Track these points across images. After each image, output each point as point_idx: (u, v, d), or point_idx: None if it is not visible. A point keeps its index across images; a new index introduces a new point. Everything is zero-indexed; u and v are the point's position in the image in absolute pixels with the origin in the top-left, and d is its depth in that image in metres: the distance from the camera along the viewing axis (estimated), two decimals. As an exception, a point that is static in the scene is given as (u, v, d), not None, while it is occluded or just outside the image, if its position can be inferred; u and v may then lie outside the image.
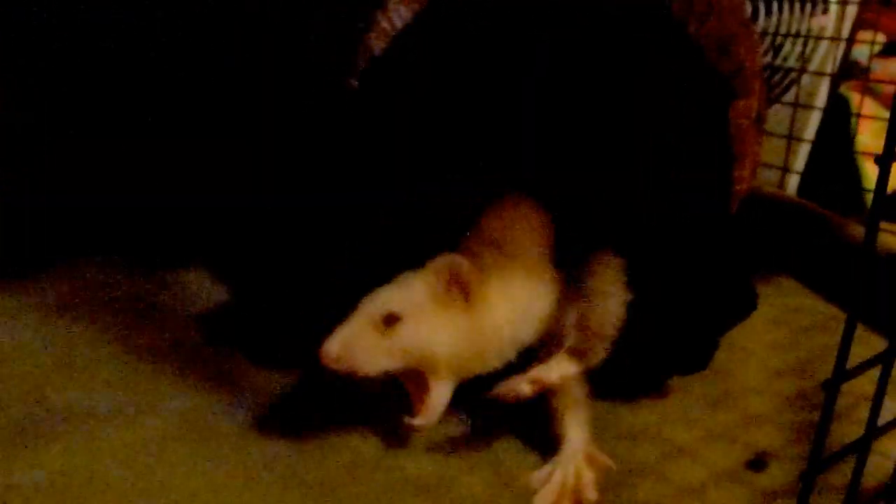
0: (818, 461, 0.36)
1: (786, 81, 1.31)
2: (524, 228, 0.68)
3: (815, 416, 0.45)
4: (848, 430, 0.51)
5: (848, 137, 1.30)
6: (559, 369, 0.61)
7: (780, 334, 0.86)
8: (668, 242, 0.69)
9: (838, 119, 1.31)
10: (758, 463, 0.65)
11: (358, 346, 0.60)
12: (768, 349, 0.82)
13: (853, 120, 1.29)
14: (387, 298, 0.62)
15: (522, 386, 0.60)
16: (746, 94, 0.72)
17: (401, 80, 0.73)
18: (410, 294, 0.62)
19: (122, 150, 1.01)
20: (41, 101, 1.00)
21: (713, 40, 0.69)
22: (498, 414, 0.68)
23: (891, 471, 0.47)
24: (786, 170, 1.27)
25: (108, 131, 1.01)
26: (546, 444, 0.66)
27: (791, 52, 1.33)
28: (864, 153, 1.27)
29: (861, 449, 0.40)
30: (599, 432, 0.66)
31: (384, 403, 0.71)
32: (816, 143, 1.29)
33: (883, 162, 0.36)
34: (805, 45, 1.30)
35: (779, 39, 1.32)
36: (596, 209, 0.68)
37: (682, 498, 0.61)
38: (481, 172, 0.71)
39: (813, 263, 1.05)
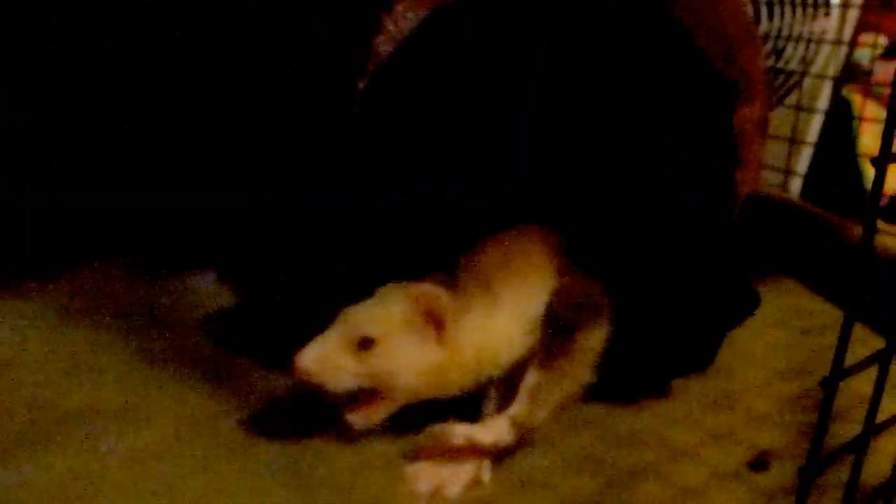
0: (816, 459, 0.37)
1: (788, 84, 1.32)
2: (520, 266, 0.67)
3: (817, 416, 0.46)
4: (848, 430, 0.51)
5: (850, 140, 1.31)
6: (496, 434, 0.62)
7: (781, 335, 0.87)
8: (670, 244, 0.69)
9: (840, 122, 1.31)
10: (759, 463, 0.66)
11: (330, 363, 0.62)
12: (770, 350, 0.83)
13: (855, 122, 1.30)
14: (363, 319, 0.63)
15: (455, 438, 0.61)
16: (750, 100, 0.73)
17: (405, 84, 0.73)
18: (387, 318, 0.63)
19: (123, 150, 1.00)
20: (41, 101, 0.99)
21: (718, 47, 0.70)
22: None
23: (889, 470, 0.48)
24: (788, 172, 1.28)
25: (108, 131, 1.00)
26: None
27: (793, 55, 1.33)
28: (865, 155, 1.27)
29: (859, 447, 0.41)
30: (600, 434, 0.67)
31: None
32: (819, 146, 1.30)
33: (879, 163, 0.36)
34: (807, 48, 1.31)
35: (781, 43, 1.32)
36: (596, 211, 0.68)
37: (683, 499, 0.61)
38: (479, 173, 0.71)
39: (815, 265, 1.05)
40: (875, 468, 0.51)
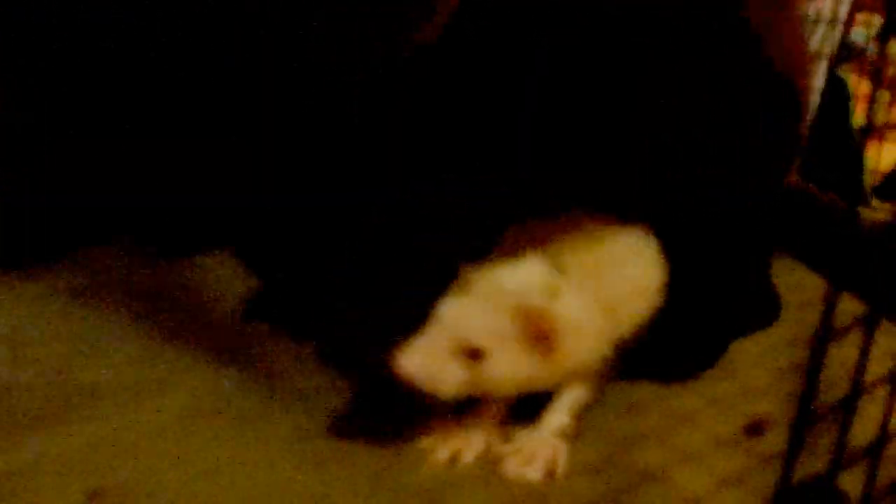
0: (805, 415, 0.39)
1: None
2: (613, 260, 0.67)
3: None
4: (838, 396, 0.54)
5: (846, 118, 1.32)
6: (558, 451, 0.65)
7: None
8: (708, 245, 0.71)
9: (836, 100, 1.33)
10: (755, 429, 0.68)
11: (437, 368, 0.59)
12: None
13: (851, 101, 1.31)
14: (470, 327, 0.60)
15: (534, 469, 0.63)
16: (803, 117, 0.74)
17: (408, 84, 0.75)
18: (497, 331, 0.60)
19: (123, 149, 1.01)
20: (41, 101, 1.00)
21: (787, 61, 0.71)
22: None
23: (876, 432, 0.50)
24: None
25: (107, 131, 1.01)
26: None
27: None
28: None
29: (846, 407, 0.43)
30: (602, 403, 0.70)
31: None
32: (815, 125, 1.31)
33: (863, 135, 0.38)
34: (803, 28, 1.32)
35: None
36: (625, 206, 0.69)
37: (684, 462, 0.64)
38: (479, 173, 0.73)
39: (811, 242, 1.07)
40: (863, 432, 0.53)
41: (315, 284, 0.87)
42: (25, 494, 0.60)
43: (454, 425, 0.66)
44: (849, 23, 1.34)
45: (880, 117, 1.24)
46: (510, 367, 0.60)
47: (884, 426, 0.49)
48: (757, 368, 0.77)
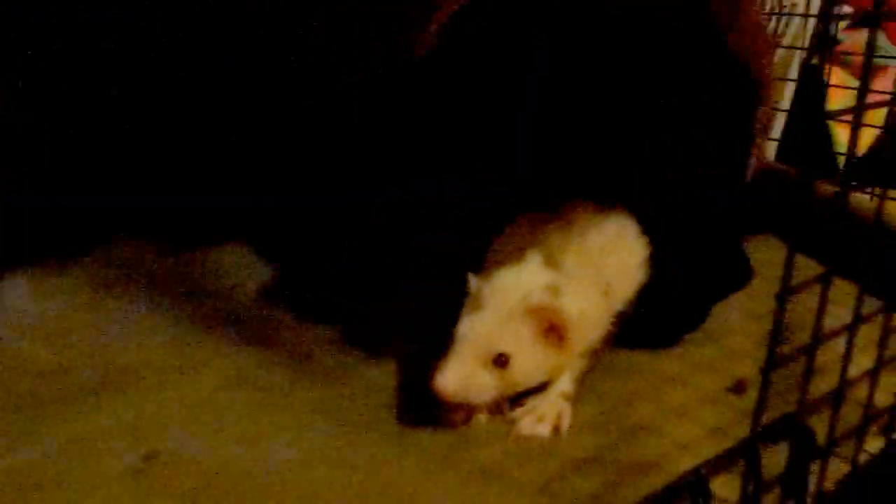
0: (772, 359, 0.47)
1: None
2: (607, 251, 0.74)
3: (786, 349, 0.55)
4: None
5: (821, 106, 1.40)
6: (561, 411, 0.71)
7: (758, 283, 0.95)
8: (685, 223, 0.77)
9: (812, 88, 1.40)
10: (737, 388, 0.76)
11: (471, 382, 0.66)
12: (747, 296, 0.92)
13: (825, 89, 1.39)
14: (493, 337, 0.67)
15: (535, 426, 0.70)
16: (764, 103, 0.82)
17: (417, 86, 0.80)
18: (517, 335, 0.67)
19: (123, 149, 1.03)
20: (41, 101, 1.01)
21: (746, 51, 0.78)
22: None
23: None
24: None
25: (107, 131, 1.03)
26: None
27: (766, 27, 1.42)
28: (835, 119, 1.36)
29: (809, 352, 0.51)
30: (598, 368, 0.77)
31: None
32: (792, 112, 1.39)
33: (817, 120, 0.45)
34: (779, 21, 1.40)
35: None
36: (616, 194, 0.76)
37: (674, 416, 0.72)
38: (479, 174, 0.78)
39: (789, 220, 1.14)
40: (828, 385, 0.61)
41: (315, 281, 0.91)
42: (88, 460, 0.66)
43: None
44: (827, 15, 1.42)
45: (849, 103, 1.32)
46: (533, 365, 0.68)
47: (843, 372, 0.56)
48: (738, 335, 0.85)
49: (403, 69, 0.80)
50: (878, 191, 1.05)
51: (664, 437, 0.69)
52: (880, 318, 0.62)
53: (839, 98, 1.41)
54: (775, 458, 0.57)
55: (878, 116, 1.35)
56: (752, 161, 0.85)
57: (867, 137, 1.36)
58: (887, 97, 0.76)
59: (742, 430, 0.55)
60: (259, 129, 1.02)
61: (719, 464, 0.52)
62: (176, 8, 0.98)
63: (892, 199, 1.05)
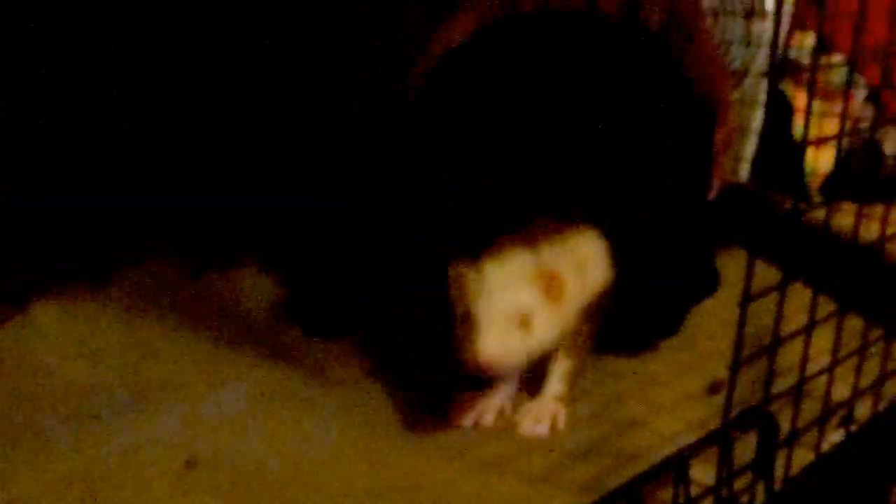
0: (737, 359, 0.56)
1: (733, 81, 1.51)
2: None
3: (757, 351, 0.64)
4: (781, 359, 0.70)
5: (789, 128, 1.50)
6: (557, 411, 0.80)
7: (731, 293, 1.02)
8: (654, 235, 0.85)
9: (780, 112, 1.50)
10: (714, 388, 0.85)
11: (506, 346, 0.70)
12: (721, 304, 0.99)
13: (792, 113, 1.49)
14: (516, 301, 0.71)
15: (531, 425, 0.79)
16: (722, 125, 0.92)
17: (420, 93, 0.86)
18: (530, 295, 0.72)
19: (123, 149, 1.05)
20: (41, 101, 1.02)
21: (702, 78, 0.88)
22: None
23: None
24: (737, 158, 1.47)
25: (107, 131, 1.05)
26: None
27: (737, 55, 1.52)
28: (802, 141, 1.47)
29: (770, 353, 0.60)
30: (588, 370, 0.85)
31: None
32: (762, 134, 1.49)
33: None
34: (748, 49, 1.50)
35: (725, 45, 1.51)
36: (591, 207, 0.82)
37: (658, 413, 0.81)
38: (478, 178, 0.83)
39: (759, 235, 1.24)
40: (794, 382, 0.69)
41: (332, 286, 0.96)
42: (134, 467, 0.74)
43: (478, 396, 0.82)
44: (787, 42, 1.52)
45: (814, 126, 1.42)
46: (546, 322, 0.73)
47: (801, 369, 0.65)
48: (714, 340, 0.93)
49: (405, 74, 0.86)
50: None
51: (651, 431, 0.77)
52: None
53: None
54: (747, 450, 0.66)
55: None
56: (715, 179, 0.95)
57: (829, 157, 1.46)
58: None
59: (718, 425, 0.63)
60: (259, 128, 1.05)
61: (697, 448, 0.60)
62: (176, 8, 1.01)
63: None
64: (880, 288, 0.83)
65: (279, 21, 0.99)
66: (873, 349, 0.76)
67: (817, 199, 1.44)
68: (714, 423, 0.78)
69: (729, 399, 0.58)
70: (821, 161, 1.38)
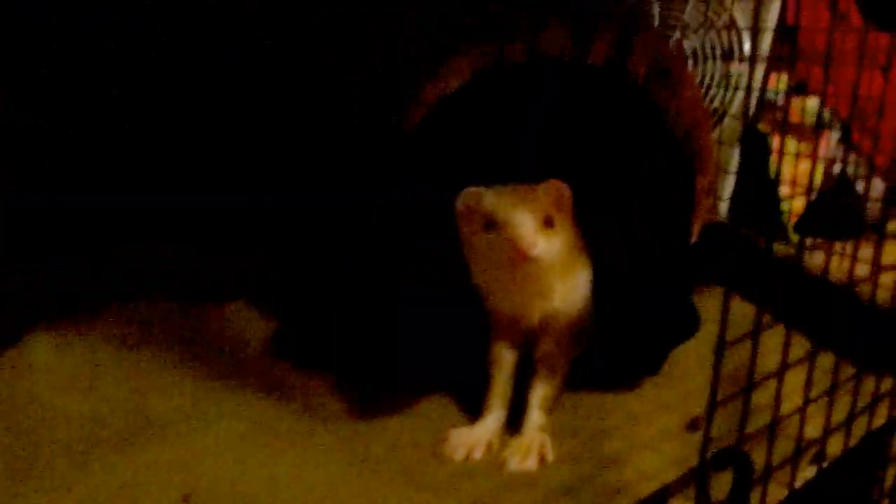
0: (714, 397, 0.59)
1: (713, 121, 1.56)
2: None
3: (735, 388, 0.67)
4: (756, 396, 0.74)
5: (766, 168, 1.55)
6: (543, 446, 0.83)
7: (710, 330, 1.07)
8: (635, 278, 0.89)
9: (757, 152, 1.55)
10: (693, 425, 0.88)
11: (539, 239, 0.77)
12: (701, 342, 1.02)
13: (769, 153, 1.54)
14: (541, 206, 0.79)
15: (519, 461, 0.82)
16: (703, 172, 0.96)
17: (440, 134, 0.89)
18: (548, 204, 0.80)
19: (122, 150, 1.07)
20: (41, 101, 1.03)
21: (683, 127, 0.93)
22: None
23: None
24: (716, 197, 1.51)
25: (107, 131, 1.06)
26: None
27: (716, 96, 1.58)
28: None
29: (745, 392, 0.63)
30: (573, 407, 0.89)
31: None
32: (740, 174, 1.54)
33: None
34: (726, 91, 1.55)
35: (704, 87, 1.57)
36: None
37: (639, 450, 0.83)
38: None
39: (737, 273, 1.28)
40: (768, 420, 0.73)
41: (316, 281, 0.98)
42: (130, 502, 0.76)
43: (466, 433, 0.85)
44: (764, 84, 1.57)
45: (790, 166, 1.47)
46: (563, 228, 0.81)
47: (775, 410, 0.69)
48: (693, 377, 0.97)
49: (400, 116, 0.89)
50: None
51: (632, 468, 0.80)
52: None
53: (783, 159, 1.56)
54: (724, 485, 0.69)
55: (816, 176, 1.51)
56: (696, 223, 0.99)
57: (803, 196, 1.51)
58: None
59: (696, 462, 0.66)
60: (259, 129, 1.07)
61: (675, 486, 0.64)
62: (176, 8, 1.02)
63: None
64: (851, 326, 0.87)
65: (279, 20, 1.01)
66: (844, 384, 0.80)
67: (793, 237, 1.49)
68: (693, 460, 0.81)
69: (705, 441, 0.62)
70: (796, 200, 1.43)
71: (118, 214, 1.12)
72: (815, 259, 1.22)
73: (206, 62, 1.04)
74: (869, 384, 0.81)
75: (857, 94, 0.74)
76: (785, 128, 1.36)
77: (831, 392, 0.77)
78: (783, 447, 0.74)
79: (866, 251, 0.81)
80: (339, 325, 1.01)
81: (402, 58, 0.94)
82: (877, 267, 0.78)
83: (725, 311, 0.58)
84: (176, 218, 1.15)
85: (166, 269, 1.21)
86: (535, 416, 0.86)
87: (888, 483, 0.86)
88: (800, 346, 0.72)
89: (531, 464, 0.81)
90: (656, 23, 1.57)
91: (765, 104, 1.59)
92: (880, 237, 0.78)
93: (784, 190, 1.50)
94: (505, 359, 0.88)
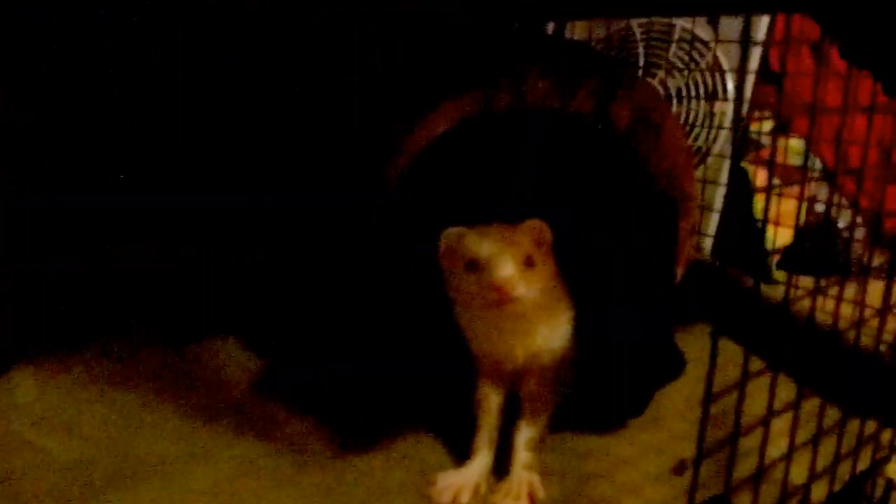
0: (702, 437, 0.60)
1: (696, 159, 1.59)
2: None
3: (723, 432, 0.68)
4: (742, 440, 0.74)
5: (749, 205, 1.57)
6: (533, 485, 0.84)
7: (697, 370, 1.08)
8: (618, 323, 0.89)
9: (741, 189, 1.58)
10: (679, 468, 0.88)
11: (519, 278, 0.78)
12: (688, 382, 1.04)
13: (753, 192, 1.56)
14: (522, 246, 0.80)
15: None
16: (687, 215, 0.98)
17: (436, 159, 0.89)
18: (527, 244, 0.81)
19: (122, 150, 1.07)
20: (41, 101, 1.03)
21: (665, 173, 0.94)
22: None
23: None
24: (700, 234, 1.53)
25: (107, 131, 1.06)
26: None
27: (700, 134, 1.60)
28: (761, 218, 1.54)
29: (732, 442, 0.64)
30: (559, 451, 0.89)
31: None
32: (724, 210, 1.56)
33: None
34: (709, 130, 1.58)
35: (688, 126, 1.59)
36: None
37: (625, 494, 0.84)
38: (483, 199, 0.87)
39: (722, 311, 1.29)
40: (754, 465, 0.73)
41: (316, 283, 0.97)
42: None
43: (454, 476, 0.85)
44: (747, 123, 1.60)
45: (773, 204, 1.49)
46: (543, 265, 0.82)
47: (761, 457, 0.69)
48: (679, 420, 0.98)
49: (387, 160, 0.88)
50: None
51: (619, 512, 0.81)
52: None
53: (764, 197, 1.59)
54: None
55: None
56: (679, 266, 1.00)
57: (787, 234, 1.54)
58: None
59: (682, 504, 0.67)
60: (260, 129, 1.07)
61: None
62: (176, 9, 1.02)
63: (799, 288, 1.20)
64: (836, 370, 0.88)
65: (280, 21, 1.02)
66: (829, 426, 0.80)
67: (777, 275, 1.51)
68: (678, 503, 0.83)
69: (693, 488, 0.62)
70: (779, 238, 1.45)
71: (118, 214, 1.12)
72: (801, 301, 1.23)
73: (206, 62, 1.05)
74: (853, 425, 0.82)
75: (841, 138, 0.76)
76: (772, 167, 1.38)
77: (816, 438, 0.78)
78: (768, 491, 0.74)
79: (849, 290, 0.82)
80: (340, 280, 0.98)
81: (391, 100, 0.95)
82: (861, 309, 0.79)
83: (714, 357, 0.59)
84: (176, 218, 1.16)
85: (156, 296, 1.21)
86: (523, 456, 0.86)
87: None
88: (784, 386, 0.73)
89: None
90: (641, 62, 1.60)
91: (748, 144, 1.62)
92: (865, 276, 0.80)
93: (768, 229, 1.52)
94: (491, 400, 0.88)
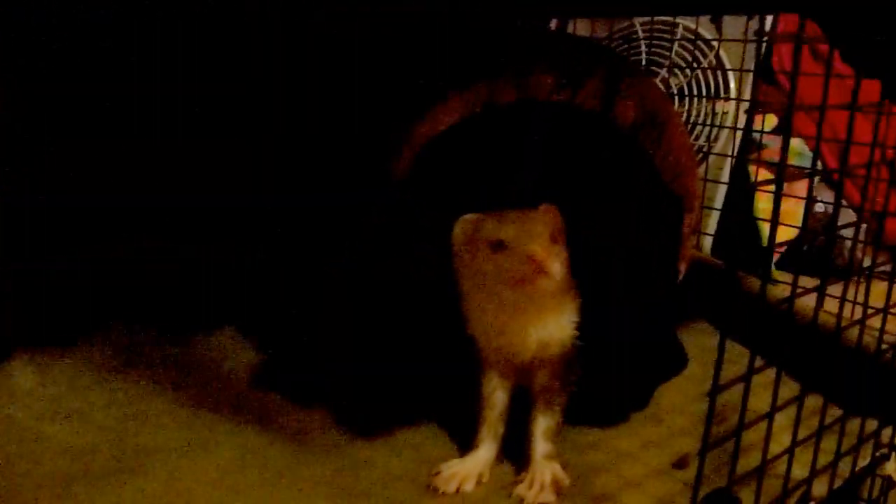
0: (706, 438, 0.60)
1: (698, 157, 1.59)
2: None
3: (723, 428, 0.68)
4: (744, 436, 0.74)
5: (750, 204, 1.58)
6: (555, 475, 0.84)
7: (696, 368, 1.09)
8: (622, 319, 0.89)
9: (741, 189, 1.58)
10: (680, 463, 0.89)
11: (548, 255, 0.77)
12: (687, 380, 1.05)
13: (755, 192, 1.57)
14: (548, 223, 0.80)
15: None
16: (690, 211, 0.98)
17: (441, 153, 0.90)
18: (550, 224, 0.81)
19: (122, 150, 1.06)
20: (41, 101, 1.02)
21: (670, 170, 0.94)
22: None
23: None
24: (700, 233, 1.54)
25: (107, 132, 1.06)
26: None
27: (701, 133, 1.61)
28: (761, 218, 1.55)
29: (737, 434, 0.64)
30: (562, 444, 0.89)
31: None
32: (724, 210, 1.57)
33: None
34: (711, 129, 1.58)
35: (689, 125, 1.60)
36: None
37: (627, 488, 0.84)
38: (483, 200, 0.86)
39: (723, 309, 1.29)
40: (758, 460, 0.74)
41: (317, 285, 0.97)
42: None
43: (458, 465, 0.85)
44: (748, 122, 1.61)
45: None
46: (562, 251, 0.81)
47: (764, 452, 0.70)
48: (681, 415, 0.98)
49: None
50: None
51: (621, 506, 0.81)
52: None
53: (765, 197, 1.59)
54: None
55: (797, 216, 1.54)
56: (682, 263, 1.00)
57: (787, 234, 1.54)
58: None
59: (684, 500, 0.67)
60: (260, 128, 1.07)
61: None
62: (176, 9, 1.02)
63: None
64: (838, 368, 0.88)
65: (280, 21, 1.01)
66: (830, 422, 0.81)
67: (777, 274, 1.52)
68: (680, 498, 0.83)
69: (697, 483, 0.62)
70: (779, 238, 1.46)
71: (118, 214, 1.12)
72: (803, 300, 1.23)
73: (206, 62, 1.05)
74: (854, 423, 0.83)
75: (849, 140, 0.76)
76: (782, 168, 1.38)
77: (818, 434, 0.78)
78: (770, 486, 0.74)
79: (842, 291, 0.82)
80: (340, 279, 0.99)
81: (394, 96, 0.95)
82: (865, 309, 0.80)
83: (721, 350, 0.59)
84: (176, 218, 1.15)
85: (156, 291, 1.20)
86: (542, 447, 0.85)
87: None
88: (786, 384, 0.73)
89: (549, 497, 0.82)
90: (644, 61, 1.60)
91: (751, 143, 1.62)
92: (868, 277, 0.80)
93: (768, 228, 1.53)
94: (497, 395, 0.88)
